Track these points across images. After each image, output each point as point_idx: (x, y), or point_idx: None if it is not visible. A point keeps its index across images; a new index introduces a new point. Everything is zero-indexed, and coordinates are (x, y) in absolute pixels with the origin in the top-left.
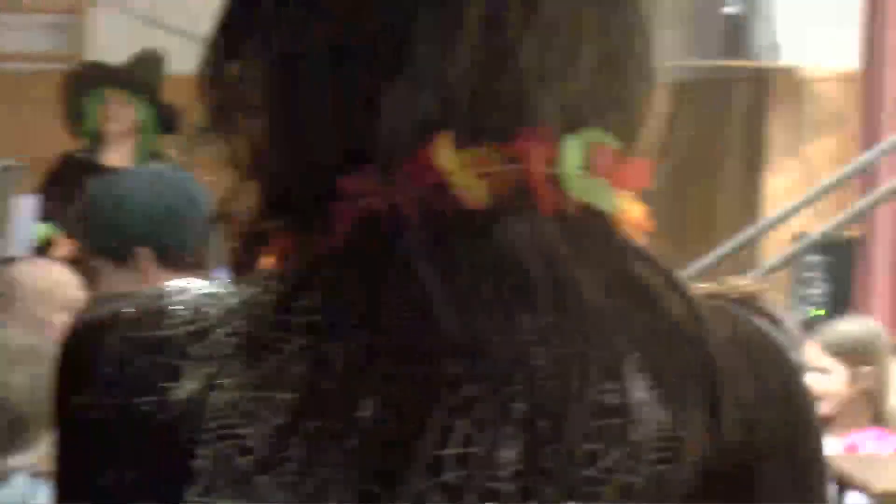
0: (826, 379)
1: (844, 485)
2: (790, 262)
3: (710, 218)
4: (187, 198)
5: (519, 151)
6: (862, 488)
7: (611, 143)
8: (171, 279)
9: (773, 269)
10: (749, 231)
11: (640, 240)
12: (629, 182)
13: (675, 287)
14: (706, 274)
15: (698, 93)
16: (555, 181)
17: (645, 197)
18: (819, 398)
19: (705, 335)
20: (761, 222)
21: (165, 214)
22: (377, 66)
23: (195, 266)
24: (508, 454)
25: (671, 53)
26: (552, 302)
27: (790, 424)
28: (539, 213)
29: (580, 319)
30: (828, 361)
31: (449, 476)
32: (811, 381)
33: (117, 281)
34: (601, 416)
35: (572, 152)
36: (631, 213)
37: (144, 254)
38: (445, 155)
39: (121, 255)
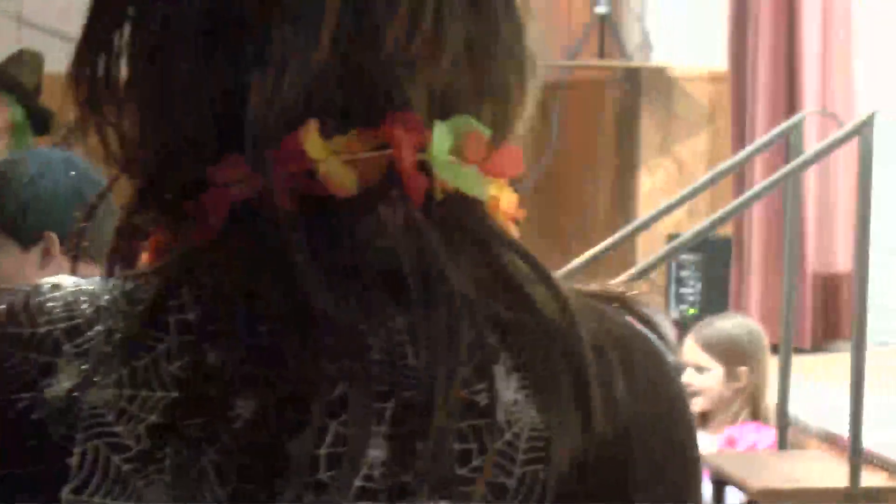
0: (702, 376)
1: (723, 483)
2: (665, 261)
3: (585, 218)
4: (94, 184)
5: (387, 138)
6: (739, 486)
7: (482, 130)
8: (71, 267)
9: (647, 269)
10: (623, 230)
11: (512, 229)
12: (500, 170)
13: (547, 282)
14: (581, 273)
15: (571, 93)
16: (425, 168)
17: (519, 198)
18: (695, 395)
19: (577, 334)
20: (635, 222)
21: (76, 200)
22: (242, 54)
23: (93, 256)
24: (379, 453)
25: (543, 51)
26: (424, 297)
27: (664, 424)
28: (409, 200)
29: (451, 316)
30: (704, 359)
31: (322, 475)
32: (687, 378)
33: (19, 264)
34: (471, 417)
35: (442, 138)
36: (502, 201)
37: (53, 239)
38: (312, 142)
39: (29, 238)
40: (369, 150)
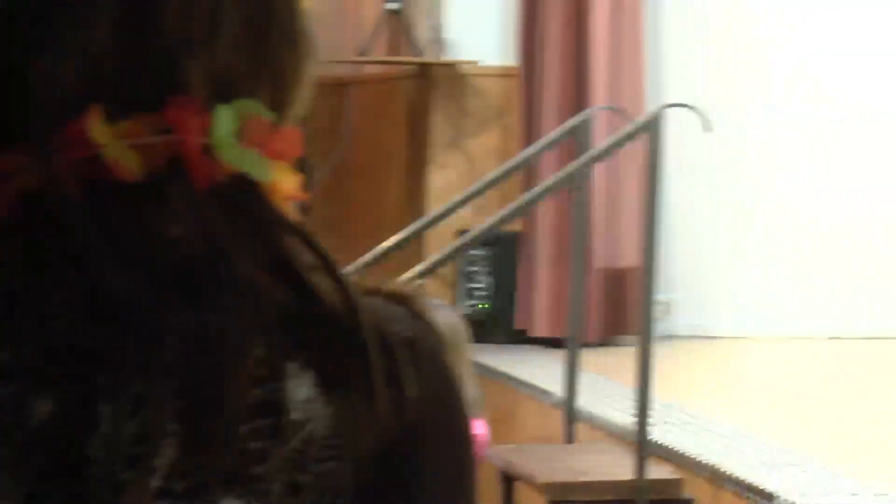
0: None
1: (511, 477)
2: (454, 256)
3: (375, 213)
4: None
5: (170, 121)
6: (528, 480)
7: (262, 112)
8: None
9: (437, 264)
10: (413, 226)
11: (293, 212)
12: (282, 152)
13: (330, 271)
14: (371, 269)
15: (362, 88)
16: (208, 151)
17: (309, 194)
18: None
19: (362, 330)
20: (425, 217)
21: None
22: (21, 40)
23: None
24: (175, 453)
25: (335, 48)
26: (213, 290)
27: (447, 422)
28: (195, 185)
29: (242, 312)
30: None
31: (121, 475)
32: None
33: None
34: (266, 415)
35: (223, 121)
36: (284, 183)
37: None
38: (96, 127)
39: None
40: (153, 134)
